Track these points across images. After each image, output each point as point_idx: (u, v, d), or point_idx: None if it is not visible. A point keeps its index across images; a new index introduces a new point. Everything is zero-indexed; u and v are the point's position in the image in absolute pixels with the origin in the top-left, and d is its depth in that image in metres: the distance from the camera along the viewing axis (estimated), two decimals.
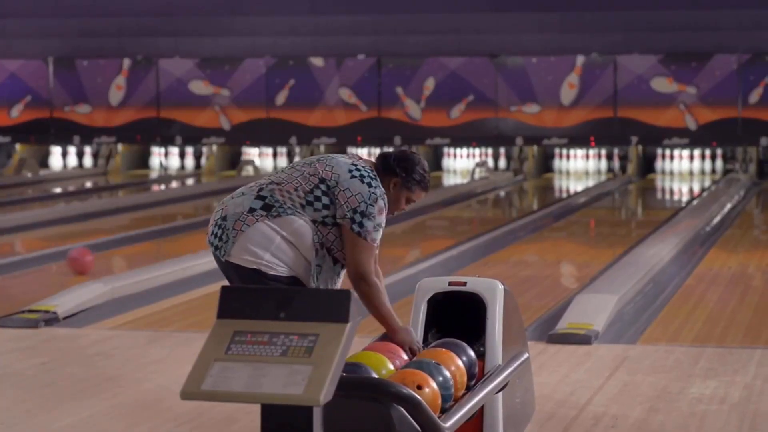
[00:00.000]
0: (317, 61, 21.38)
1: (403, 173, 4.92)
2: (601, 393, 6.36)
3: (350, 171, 4.81)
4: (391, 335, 4.94)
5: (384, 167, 4.92)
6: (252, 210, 4.79)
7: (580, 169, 21.40)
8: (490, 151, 21.79)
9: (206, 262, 10.68)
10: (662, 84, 20.33)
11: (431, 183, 5.08)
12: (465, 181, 20.54)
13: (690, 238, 12.48)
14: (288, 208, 4.78)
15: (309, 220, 4.79)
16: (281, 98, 21.64)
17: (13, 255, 12.24)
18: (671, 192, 19.52)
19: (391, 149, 21.55)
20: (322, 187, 4.79)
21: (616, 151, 21.24)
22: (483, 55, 20.97)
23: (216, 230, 4.86)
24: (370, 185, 4.79)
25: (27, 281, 10.59)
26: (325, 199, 4.79)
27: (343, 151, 22.09)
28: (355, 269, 4.78)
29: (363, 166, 4.86)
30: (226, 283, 5.00)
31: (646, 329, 8.19)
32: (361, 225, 4.77)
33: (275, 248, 4.77)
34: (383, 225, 4.84)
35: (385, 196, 4.86)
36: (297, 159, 21.09)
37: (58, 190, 19.96)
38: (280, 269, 4.78)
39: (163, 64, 21.97)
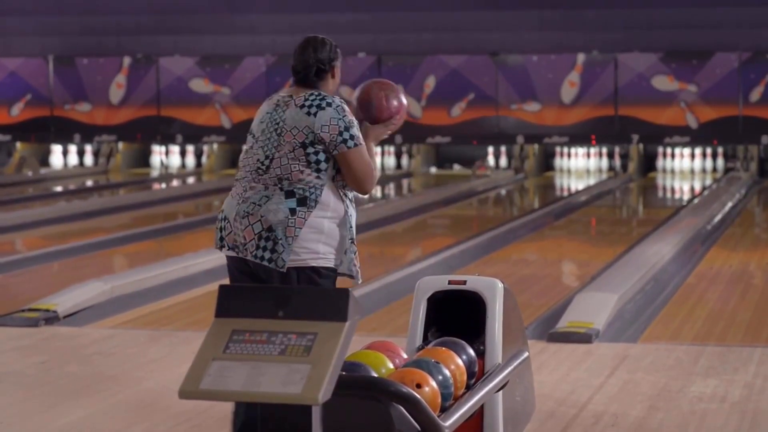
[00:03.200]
0: None
1: (334, 59, 4.90)
2: (602, 392, 6.35)
3: (305, 111, 4.78)
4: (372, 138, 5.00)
5: (319, 73, 4.88)
6: (293, 211, 4.73)
7: (580, 167, 21.39)
8: (491, 149, 21.79)
9: (207, 260, 10.68)
10: (663, 82, 20.32)
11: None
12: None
13: (691, 237, 12.47)
14: (316, 188, 4.76)
15: (331, 185, 4.79)
16: None
17: (14, 253, 12.24)
18: (672, 190, 19.52)
19: (392, 148, 21.70)
20: (309, 150, 4.77)
21: (617, 149, 21.23)
22: (483, 53, 20.96)
23: (265, 243, 4.72)
24: (329, 104, 4.79)
25: (27, 280, 10.59)
26: (320, 155, 4.78)
27: None
28: (362, 181, 4.81)
29: (305, 99, 4.81)
30: (225, 282, 4.98)
31: (647, 328, 8.19)
32: (352, 137, 4.79)
33: (326, 237, 4.78)
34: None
35: (342, 100, 4.85)
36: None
37: (58, 188, 19.95)
38: (330, 257, 4.80)
39: (163, 63, 21.97)
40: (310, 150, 4.76)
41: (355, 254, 4.94)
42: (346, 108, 4.84)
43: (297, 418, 3.73)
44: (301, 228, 4.72)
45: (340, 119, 4.78)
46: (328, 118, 4.77)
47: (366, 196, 4.83)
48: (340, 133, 4.76)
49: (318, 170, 4.76)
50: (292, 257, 4.73)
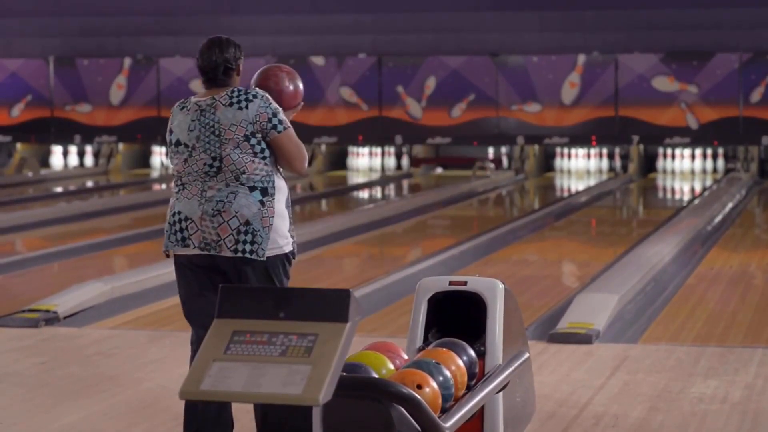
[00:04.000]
0: (318, 60, 21.37)
1: (238, 57, 5.15)
2: (602, 392, 6.35)
3: (235, 107, 5.00)
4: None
5: (226, 72, 5.10)
6: (262, 203, 4.99)
7: (581, 168, 21.39)
8: (491, 150, 21.79)
9: None
10: (663, 83, 20.32)
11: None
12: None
13: (691, 238, 12.47)
14: (269, 175, 5.03)
15: (275, 168, 5.08)
16: None
17: (14, 254, 12.23)
18: (672, 191, 19.51)
19: (392, 149, 21.69)
20: (252, 141, 5.00)
21: (617, 150, 21.22)
22: (484, 54, 20.95)
23: (244, 237, 4.96)
24: (254, 96, 5.02)
25: (28, 280, 10.58)
26: (262, 144, 5.03)
27: (345, 152, 22.13)
28: (296, 159, 5.06)
29: (227, 97, 5.03)
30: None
31: (647, 328, 8.18)
32: (280, 122, 5.03)
33: (287, 219, 5.09)
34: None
35: (260, 89, 5.10)
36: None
37: (58, 189, 19.95)
38: (290, 241, 5.09)
39: (163, 63, 21.97)
40: (253, 141, 4.99)
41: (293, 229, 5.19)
42: (269, 97, 5.07)
43: (298, 418, 3.73)
44: (273, 217, 4.99)
45: (267, 107, 5.01)
46: (256, 108, 4.99)
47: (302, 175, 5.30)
48: (269, 120, 5.00)
49: (264, 158, 5.01)
50: (271, 245, 4.99)
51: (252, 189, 4.97)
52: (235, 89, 5.04)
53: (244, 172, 4.97)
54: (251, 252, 4.94)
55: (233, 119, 4.98)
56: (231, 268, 4.99)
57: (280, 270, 5.04)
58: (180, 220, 5.07)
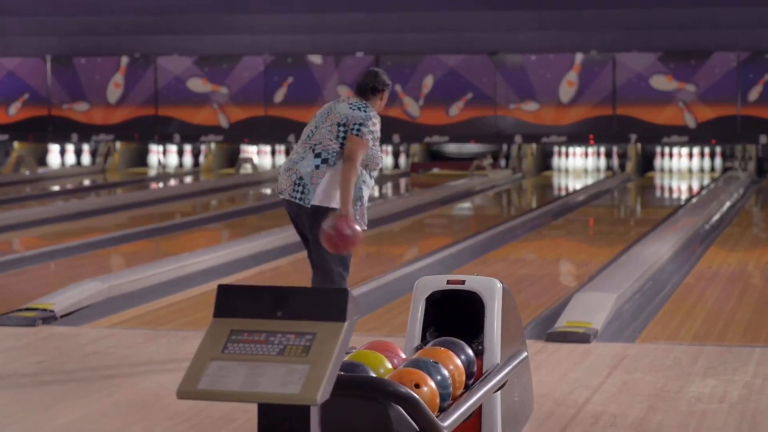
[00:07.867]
0: (316, 59, 21.36)
1: (386, 85, 6.97)
2: (600, 392, 6.34)
3: (350, 107, 6.83)
4: (341, 210, 6.67)
5: (372, 91, 6.92)
6: (317, 167, 6.74)
7: (579, 167, 21.39)
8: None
9: (204, 260, 10.66)
10: (661, 82, 20.32)
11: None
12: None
13: (689, 236, 12.46)
14: (336, 153, 6.75)
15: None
16: (279, 96, 21.62)
17: (11, 253, 12.21)
18: (670, 190, 19.51)
19: (389, 148, 21.69)
20: (341, 128, 6.78)
21: (615, 149, 21.22)
22: (482, 53, 20.95)
23: (297, 188, 6.75)
24: (365, 110, 6.84)
25: (25, 279, 10.57)
26: (344, 134, 6.75)
27: None
28: (349, 154, 6.73)
29: (354, 102, 6.88)
30: (223, 281, 5.00)
31: (645, 328, 8.18)
32: (359, 130, 6.78)
33: (357, 203, 6.72)
34: (375, 133, 6.82)
35: (378, 116, 6.87)
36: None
37: (56, 188, 19.93)
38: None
39: (161, 62, 21.95)
40: (341, 129, 6.79)
41: (361, 206, 6.79)
42: (373, 118, 6.86)
43: (295, 418, 3.71)
44: (321, 178, 6.72)
45: (363, 116, 6.83)
46: (357, 115, 6.83)
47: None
48: (355, 124, 6.79)
49: (341, 144, 6.76)
50: (323, 200, 6.71)
51: (316, 156, 6.76)
52: (363, 102, 6.88)
53: (320, 143, 6.78)
54: (300, 200, 6.73)
55: (340, 111, 6.82)
56: (294, 209, 6.79)
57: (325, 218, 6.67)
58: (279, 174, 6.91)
